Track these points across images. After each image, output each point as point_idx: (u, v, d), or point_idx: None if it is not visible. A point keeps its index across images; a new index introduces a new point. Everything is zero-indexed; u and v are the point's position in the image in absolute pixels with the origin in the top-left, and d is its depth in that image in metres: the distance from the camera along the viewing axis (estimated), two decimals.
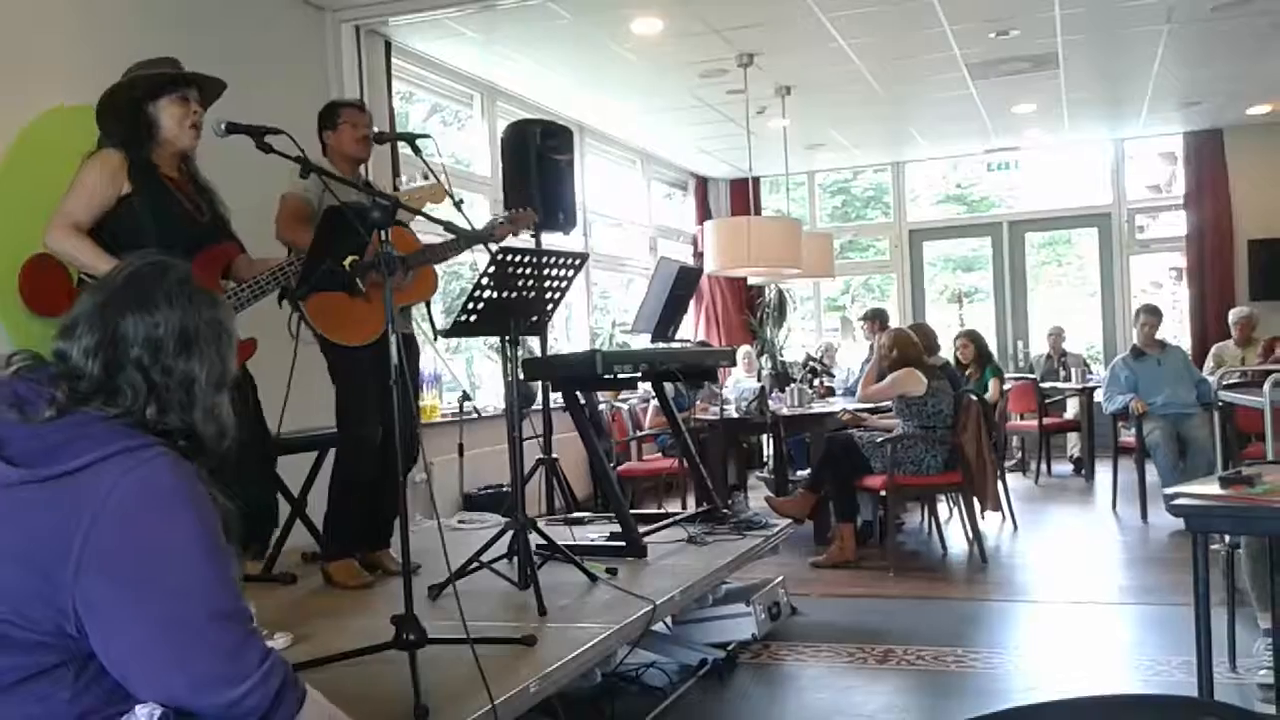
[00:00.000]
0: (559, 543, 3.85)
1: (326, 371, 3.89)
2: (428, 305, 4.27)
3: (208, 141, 3.19)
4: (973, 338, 7.54)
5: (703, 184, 11.34)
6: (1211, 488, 2.81)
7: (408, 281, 3.74)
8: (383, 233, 2.70)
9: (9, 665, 1.39)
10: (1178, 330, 10.25)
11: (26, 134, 4.04)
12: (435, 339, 4.23)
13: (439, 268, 4.07)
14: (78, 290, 3.16)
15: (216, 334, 1.59)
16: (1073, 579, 5.46)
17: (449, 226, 3.51)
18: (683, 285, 4.96)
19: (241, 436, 3.14)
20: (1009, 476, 7.29)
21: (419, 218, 3.51)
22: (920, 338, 6.25)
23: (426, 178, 3.73)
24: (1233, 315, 8.36)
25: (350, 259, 3.01)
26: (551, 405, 5.40)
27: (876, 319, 8.45)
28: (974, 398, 5.95)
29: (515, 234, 4.27)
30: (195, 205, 3.26)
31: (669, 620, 4.05)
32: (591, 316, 9.15)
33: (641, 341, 5.24)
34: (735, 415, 6.81)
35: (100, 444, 1.41)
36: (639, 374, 4.63)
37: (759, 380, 8.25)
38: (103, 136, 3.23)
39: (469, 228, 3.50)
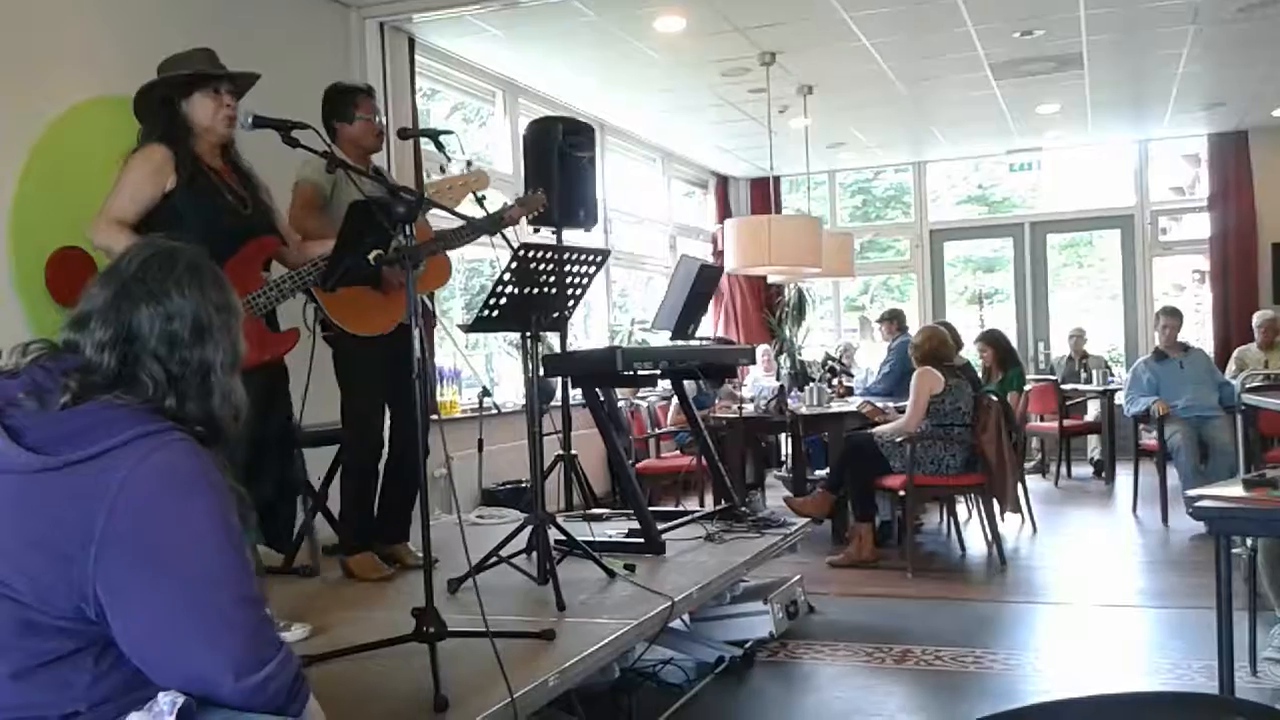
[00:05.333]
0: (578, 538, 3.86)
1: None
2: (431, 296, 4.27)
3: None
4: (990, 340, 7.47)
5: (723, 182, 11.33)
6: (1234, 490, 2.80)
7: (419, 271, 3.74)
8: (407, 227, 2.71)
9: (32, 650, 1.41)
10: (1200, 333, 10.17)
11: (54, 127, 4.08)
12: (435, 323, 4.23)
13: (456, 261, 4.07)
14: None
15: (227, 318, 1.60)
16: (1092, 582, 5.43)
17: (468, 219, 3.53)
18: (703, 283, 4.96)
19: (271, 433, 3.19)
20: (1028, 478, 7.26)
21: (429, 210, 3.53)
22: None
23: (470, 165, 3.74)
24: (1256, 318, 8.29)
25: (374, 253, 3.02)
26: (571, 402, 5.42)
27: (894, 320, 8.44)
28: (994, 398, 5.93)
29: (528, 217, 4.25)
30: (239, 197, 3.28)
31: (687, 617, 4.05)
32: (611, 314, 9.16)
33: (661, 339, 5.25)
34: (754, 414, 6.81)
35: (119, 429, 1.42)
36: (659, 371, 4.63)
37: (778, 379, 8.24)
38: (142, 133, 3.25)
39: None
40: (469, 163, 3.73)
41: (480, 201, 3.83)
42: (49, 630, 1.40)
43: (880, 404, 7.01)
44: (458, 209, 3.66)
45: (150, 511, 1.39)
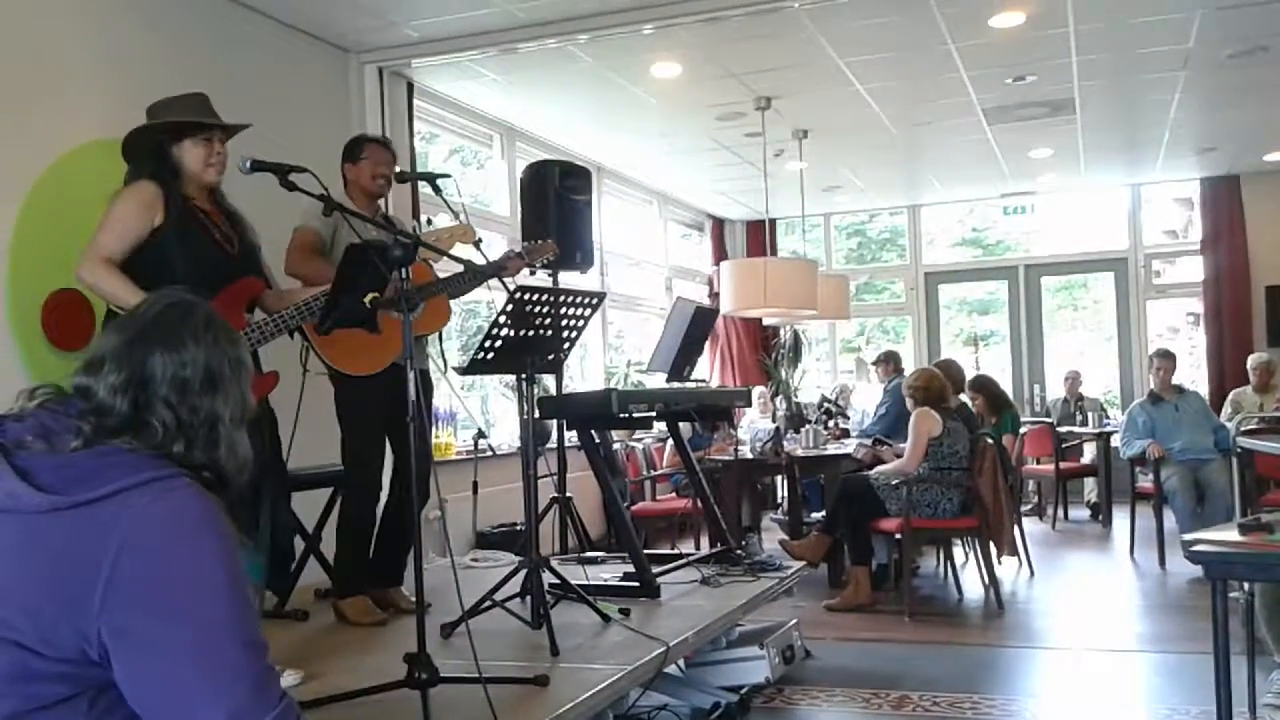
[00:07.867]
0: (572, 582, 3.83)
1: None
2: (440, 339, 4.29)
3: (231, 176, 3.25)
4: (979, 387, 7.46)
5: (719, 225, 11.39)
6: (1230, 534, 2.80)
7: (417, 314, 3.75)
8: (403, 270, 2.72)
9: (27, 694, 1.39)
10: (1194, 376, 10.20)
11: (54, 170, 4.10)
12: (445, 371, 4.25)
13: (454, 302, 4.09)
14: (107, 321, 3.18)
15: (238, 371, 1.61)
16: (1089, 626, 5.40)
17: (468, 264, 3.55)
18: (699, 325, 4.97)
19: (259, 473, 3.17)
20: (1025, 521, 7.24)
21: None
22: (946, 377, 6.26)
23: (458, 217, 3.77)
24: (1251, 361, 8.32)
25: (371, 296, 3.03)
26: (566, 444, 5.41)
27: (890, 362, 8.44)
28: (990, 441, 5.93)
29: (533, 268, 4.28)
30: (226, 237, 3.30)
31: (682, 662, 4.02)
32: (607, 356, 9.17)
33: (657, 381, 5.25)
34: (750, 456, 6.79)
35: (128, 472, 1.42)
36: (654, 413, 4.63)
37: (774, 421, 8.24)
38: (130, 172, 3.27)
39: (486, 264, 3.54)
40: (457, 214, 3.75)
41: (477, 245, 3.86)
42: (47, 675, 1.39)
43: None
44: (471, 260, 3.67)
45: (158, 554, 1.39)
